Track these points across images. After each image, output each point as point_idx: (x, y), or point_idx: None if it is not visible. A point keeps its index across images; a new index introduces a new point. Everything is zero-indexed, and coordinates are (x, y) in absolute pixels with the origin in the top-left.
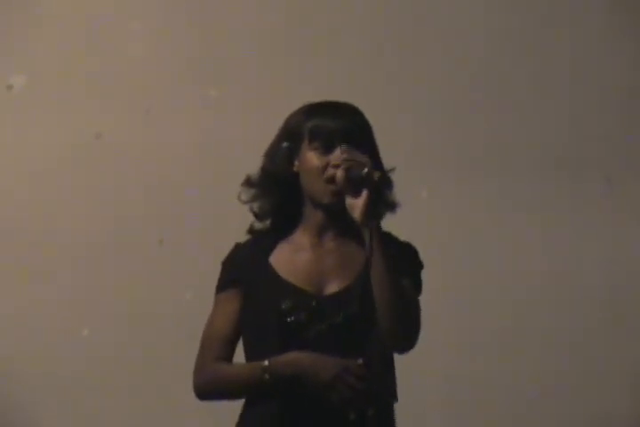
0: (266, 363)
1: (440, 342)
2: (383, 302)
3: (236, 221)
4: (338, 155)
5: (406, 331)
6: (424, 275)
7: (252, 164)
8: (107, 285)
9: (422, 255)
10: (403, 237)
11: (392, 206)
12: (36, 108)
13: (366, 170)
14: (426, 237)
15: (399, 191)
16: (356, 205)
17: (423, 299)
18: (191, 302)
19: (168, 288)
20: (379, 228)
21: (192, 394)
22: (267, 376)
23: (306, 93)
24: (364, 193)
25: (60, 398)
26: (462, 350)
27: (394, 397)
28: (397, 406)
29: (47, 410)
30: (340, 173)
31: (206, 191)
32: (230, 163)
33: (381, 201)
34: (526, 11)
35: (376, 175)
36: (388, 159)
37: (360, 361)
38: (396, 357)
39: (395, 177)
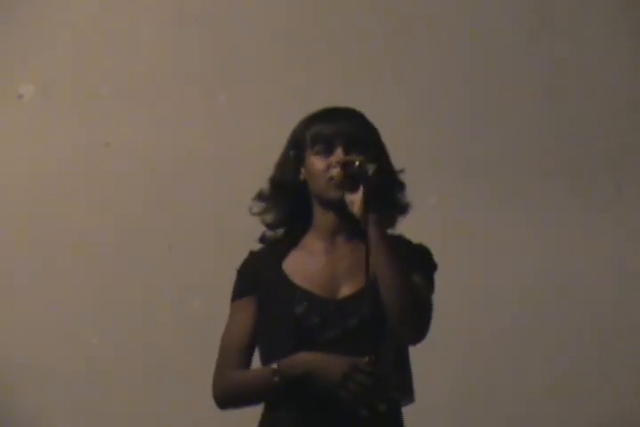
0: (275, 366)
1: (449, 345)
2: (386, 291)
3: (244, 227)
4: (339, 155)
5: (412, 319)
6: (437, 276)
7: (262, 169)
8: (114, 290)
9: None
10: None
11: (403, 209)
12: (45, 118)
13: (358, 163)
14: (435, 244)
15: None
16: (354, 199)
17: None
18: (199, 307)
19: (176, 294)
20: (380, 221)
21: (202, 399)
22: (276, 379)
23: (315, 97)
24: (361, 188)
25: (68, 404)
26: (472, 351)
27: (410, 396)
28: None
29: (55, 418)
30: (336, 170)
31: (215, 197)
32: (240, 168)
33: (386, 199)
34: (533, 13)
35: (370, 168)
36: (397, 165)
37: (367, 358)
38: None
39: (404, 182)
